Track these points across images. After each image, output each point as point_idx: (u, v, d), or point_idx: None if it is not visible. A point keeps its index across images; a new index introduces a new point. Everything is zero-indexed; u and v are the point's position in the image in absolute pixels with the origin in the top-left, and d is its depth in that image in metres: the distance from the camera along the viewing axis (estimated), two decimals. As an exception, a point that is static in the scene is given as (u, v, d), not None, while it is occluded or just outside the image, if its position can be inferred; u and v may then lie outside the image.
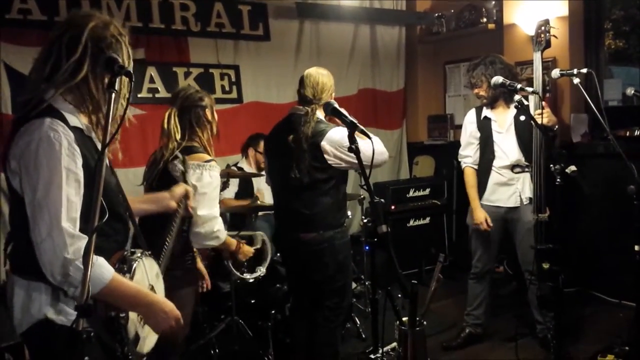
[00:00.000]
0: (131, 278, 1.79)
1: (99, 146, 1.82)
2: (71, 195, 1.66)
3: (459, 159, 4.20)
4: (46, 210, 1.63)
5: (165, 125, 2.81)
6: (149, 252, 2.01)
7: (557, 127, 3.79)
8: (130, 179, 4.81)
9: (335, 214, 3.20)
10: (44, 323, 1.73)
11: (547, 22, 3.59)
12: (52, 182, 1.64)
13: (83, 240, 1.65)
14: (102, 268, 1.67)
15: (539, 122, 3.46)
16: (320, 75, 3.21)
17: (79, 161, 1.70)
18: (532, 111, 3.58)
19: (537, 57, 3.59)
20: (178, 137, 2.79)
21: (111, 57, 1.67)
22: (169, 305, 1.86)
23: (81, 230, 1.68)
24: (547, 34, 3.56)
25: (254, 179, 4.94)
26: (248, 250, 3.18)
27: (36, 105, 1.71)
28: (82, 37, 1.74)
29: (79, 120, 1.78)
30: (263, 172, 4.92)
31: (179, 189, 2.43)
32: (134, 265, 1.82)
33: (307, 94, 3.19)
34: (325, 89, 3.19)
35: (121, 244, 1.92)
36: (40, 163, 1.64)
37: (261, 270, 3.70)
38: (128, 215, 2.01)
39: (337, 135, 3.02)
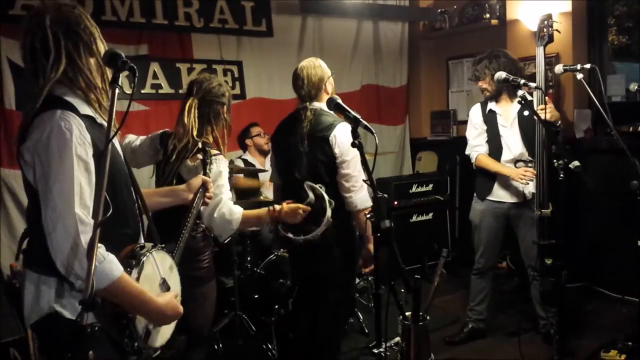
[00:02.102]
0: (139, 273, 1.79)
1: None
2: (83, 183, 1.67)
3: (469, 151, 4.12)
4: (58, 197, 1.63)
5: (185, 118, 2.75)
6: (162, 246, 2.01)
7: (560, 122, 3.79)
8: (134, 174, 4.83)
9: (345, 208, 3.18)
10: (52, 316, 1.74)
11: (549, 16, 3.58)
12: (64, 170, 1.65)
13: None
14: (112, 264, 1.67)
15: (542, 117, 3.46)
16: (310, 68, 3.17)
17: (90, 150, 1.72)
18: (535, 106, 3.57)
19: (539, 52, 3.57)
20: (195, 133, 2.74)
21: (114, 52, 1.68)
22: (171, 308, 1.88)
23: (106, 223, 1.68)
24: (550, 29, 3.54)
25: (261, 175, 4.94)
26: (292, 208, 2.75)
27: (45, 99, 1.73)
28: (47, 33, 1.76)
29: (90, 108, 1.80)
30: (267, 168, 4.96)
31: (196, 181, 2.42)
32: (143, 259, 1.82)
33: (302, 90, 3.18)
34: (321, 81, 3.16)
35: (132, 237, 1.91)
36: (52, 152, 1.66)
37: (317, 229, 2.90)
38: (141, 208, 2.01)
39: (343, 133, 3.00)
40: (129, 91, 4.32)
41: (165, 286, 1.96)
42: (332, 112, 3.07)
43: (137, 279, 1.78)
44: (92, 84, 1.80)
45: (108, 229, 1.70)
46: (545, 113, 3.51)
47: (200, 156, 2.68)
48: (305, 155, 3.11)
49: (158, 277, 1.93)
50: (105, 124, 1.82)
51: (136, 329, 1.78)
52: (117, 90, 1.62)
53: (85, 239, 1.62)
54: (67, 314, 1.74)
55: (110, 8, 4.60)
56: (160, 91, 4.98)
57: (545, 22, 3.55)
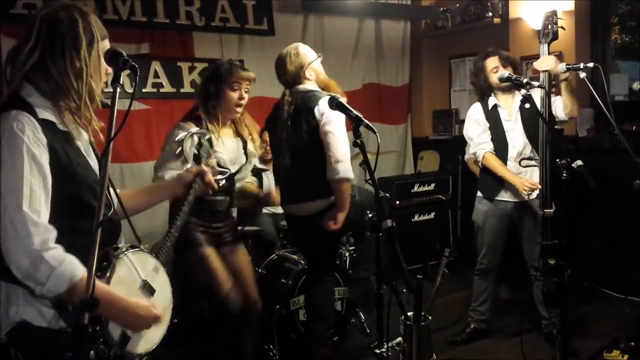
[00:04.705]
0: (110, 275, 1.73)
1: (79, 139, 1.81)
2: (34, 186, 1.62)
3: (475, 149, 4.04)
4: (7, 197, 1.59)
5: None
6: (144, 247, 1.96)
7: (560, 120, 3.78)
8: (136, 174, 4.83)
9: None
10: (21, 325, 1.69)
11: (554, 13, 3.52)
12: (13, 171, 1.60)
13: (51, 232, 1.61)
14: (73, 265, 1.61)
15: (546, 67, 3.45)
16: (289, 56, 3.33)
17: (45, 153, 1.67)
18: (538, 106, 3.54)
19: (544, 49, 3.52)
20: None
21: (115, 51, 1.67)
22: (144, 308, 1.80)
23: (61, 227, 1.64)
24: (555, 26, 3.50)
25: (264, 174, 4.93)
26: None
27: (10, 98, 1.70)
28: (35, 22, 1.74)
29: (52, 114, 1.74)
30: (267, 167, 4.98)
31: (187, 174, 2.29)
32: (114, 261, 1.76)
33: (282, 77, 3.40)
34: (300, 68, 3.30)
35: (104, 242, 1.78)
36: (3, 153, 1.62)
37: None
38: (116, 210, 1.93)
39: (325, 106, 3.05)
40: (130, 90, 4.33)
41: (147, 289, 1.89)
42: (319, 90, 3.21)
43: (108, 282, 1.72)
44: (60, 91, 1.74)
45: (75, 236, 1.66)
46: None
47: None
48: (289, 136, 3.24)
49: (137, 279, 1.87)
50: (70, 130, 1.78)
51: (110, 335, 1.71)
52: (118, 89, 1.59)
53: (38, 240, 1.58)
54: (37, 322, 1.70)
55: (111, 7, 4.60)
56: (161, 90, 4.97)
57: (550, 19, 3.51)
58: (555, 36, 3.51)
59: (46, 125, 1.70)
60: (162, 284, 2.00)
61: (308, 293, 3.64)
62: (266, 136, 4.88)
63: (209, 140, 2.91)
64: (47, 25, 1.73)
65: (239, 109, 3.15)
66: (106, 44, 1.84)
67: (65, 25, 1.74)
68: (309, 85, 3.27)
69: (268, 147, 4.88)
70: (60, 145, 1.72)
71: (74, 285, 1.60)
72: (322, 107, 3.08)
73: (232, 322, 3.17)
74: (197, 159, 2.75)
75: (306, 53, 3.29)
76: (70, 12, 1.76)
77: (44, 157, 1.66)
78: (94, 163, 1.88)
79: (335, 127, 3.08)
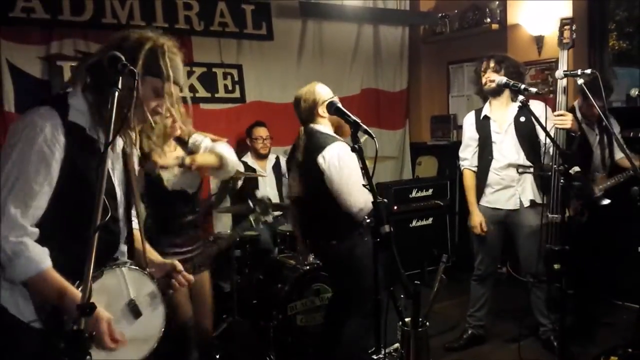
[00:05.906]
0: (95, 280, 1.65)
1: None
2: (34, 183, 1.64)
3: (459, 163, 4.19)
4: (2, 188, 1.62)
5: None
6: (147, 271, 1.91)
7: (579, 132, 3.76)
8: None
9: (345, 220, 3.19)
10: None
11: (572, 20, 3.54)
12: (18, 164, 1.63)
13: (25, 231, 1.63)
14: (41, 256, 1.63)
15: (565, 126, 3.43)
16: (305, 94, 3.25)
17: (58, 153, 1.67)
18: (537, 113, 3.51)
19: (563, 56, 3.49)
20: None
21: (114, 55, 1.65)
22: (104, 316, 1.67)
23: (61, 230, 1.66)
24: (573, 34, 3.49)
25: (260, 179, 4.95)
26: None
27: (52, 95, 1.73)
28: (121, 36, 1.77)
29: (85, 119, 1.74)
30: (266, 174, 4.98)
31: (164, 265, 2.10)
32: (104, 269, 1.73)
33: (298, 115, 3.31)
34: (313, 106, 3.23)
35: (99, 255, 1.66)
36: (17, 145, 1.65)
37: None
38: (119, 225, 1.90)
39: (332, 153, 3.04)
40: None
41: (132, 310, 1.83)
42: (328, 132, 3.14)
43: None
44: (98, 102, 1.73)
45: (75, 238, 1.62)
46: (564, 122, 3.44)
47: None
48: (302, 178, 3.22)
49: (124, 296, 1.81)
50: (100, 138, 1.77)
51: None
52: (116, 94, 1.59)
53: (7, 233, 1.60)
54: (11, 310, 1.70)
55: (110, 11, 4.60)
56: (159, 94, 4.97)
57: (567, 27, 3.50)
58: (573, 43, 3.52)
59: (73, 127, 1.71)
60: (155, 313, 1.92)
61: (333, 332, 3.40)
62: (259, 132, 4.95)
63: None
64: (124, 40, 1.76)
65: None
66: (170, 88, 1.81)
67: (133, 45, 1.75)
68: (322, 125, 3.20)
69: (264, 142, 4.96)
70: (80, 149, 1.72)
71: (38, 275, 1.62)
72: (327, 156, 3.04)
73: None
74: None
75: (321, 91, 3.23)
76: (147, 40, 1.77)
77: (56, 158, 1.67)
78: (118, 172, 1.89)
79: (340, 178, 3.04)
